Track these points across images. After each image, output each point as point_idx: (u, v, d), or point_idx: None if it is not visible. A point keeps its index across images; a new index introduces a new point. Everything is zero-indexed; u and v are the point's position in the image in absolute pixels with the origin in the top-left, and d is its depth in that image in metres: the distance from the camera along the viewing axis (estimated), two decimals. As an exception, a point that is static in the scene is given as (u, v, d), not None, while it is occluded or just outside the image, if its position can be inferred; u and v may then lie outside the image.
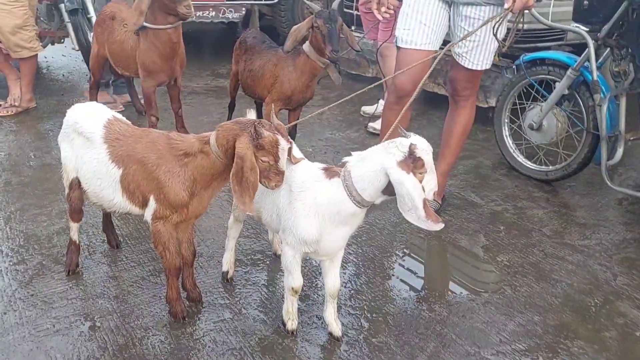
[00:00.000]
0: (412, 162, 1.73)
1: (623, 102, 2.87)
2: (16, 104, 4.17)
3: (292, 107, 3.29)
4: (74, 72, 5.40)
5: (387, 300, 2.30)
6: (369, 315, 2.20)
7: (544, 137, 3.31)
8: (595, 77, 2.85)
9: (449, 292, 2.36)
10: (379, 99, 4.35)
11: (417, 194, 1.72)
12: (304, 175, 1.90)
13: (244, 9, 5.66)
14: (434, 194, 1.81)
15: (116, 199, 2.02)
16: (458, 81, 2.81)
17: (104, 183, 2.02)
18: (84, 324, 2.08)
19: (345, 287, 2.35)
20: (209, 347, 2.00)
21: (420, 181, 1.75)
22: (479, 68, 2.71)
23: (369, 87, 2.75)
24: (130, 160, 1.96)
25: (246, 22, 3.91)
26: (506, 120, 3.54)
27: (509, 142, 3.53)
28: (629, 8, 2.72)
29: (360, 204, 1.81)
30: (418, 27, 2.65)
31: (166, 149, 1.91)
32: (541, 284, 2.42)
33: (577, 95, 3.10)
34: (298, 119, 3.45)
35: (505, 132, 3.55)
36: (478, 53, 2.67)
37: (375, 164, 1.77)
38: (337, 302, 2.24)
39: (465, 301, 2.31)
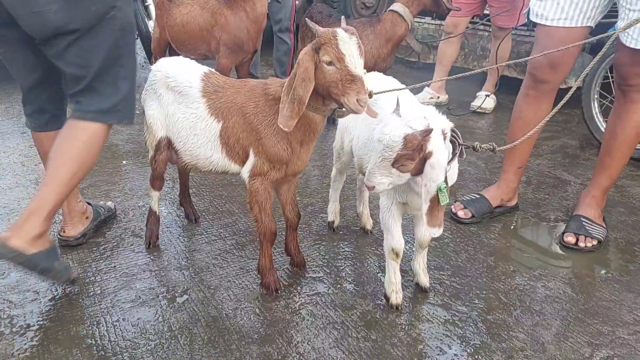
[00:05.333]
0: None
1: None
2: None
3: None
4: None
5: (494, 277, 2.08)
6: (477, 292, 1.98)
7: None
8: None
9: (561, 269, 2.13)
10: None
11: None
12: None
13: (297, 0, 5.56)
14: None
15: (214, 156, 1.87)
16: (624, 66, 2.12)
17: (201, 139, 1.87)
18: (170, 296, 1.93)
19: (446, 264, 2.15)
20: (308, 320, 1.82)
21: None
22: None
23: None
24: (230, 112, 1.80)
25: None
26: (596, 97, 3.28)
27: (599, 119, 3.27)
28: None
29: None
30: None
31: (262, 96, 1.75)
32: (666, 261, 2.16)
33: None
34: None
35: (595, 109, 3.28)
36: None
37: None
38: (440, 278, 2.05)
39: (583, 277, 2.07)
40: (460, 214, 2.45)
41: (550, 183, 2.87)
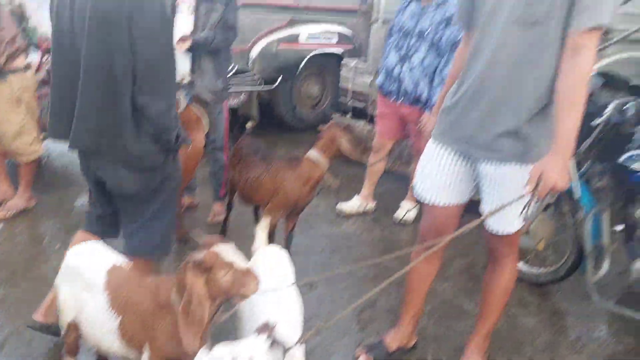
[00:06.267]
0: None
1: (606, 216, 2.94)
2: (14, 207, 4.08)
3: (296, 212, 3.40)
4: (75, 162, 5.44)
5: None
6: None
7: (531, 242, 3.32)
8: (578, 195, 2.92)
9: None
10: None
11: None
12: None
13: (242, 94, 5.86)
14: None
15: (115, 345, 2.08)
16: (489, 241, 2.42)
17: (103, 329, 2.08)
18: None
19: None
20: None
21: None
22: (505, 233, 2.28)
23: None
24: (127, 308, 2.02)
25: (242, 128, 4.08)
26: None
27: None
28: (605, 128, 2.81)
29: None
30: (429, 182, 2.38)
31: (154, 299, 1.98)
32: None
33: (562, 204, 3.17)
34: (295, 223, 3.53)
35: (496, 233, 3.61)
36: (499, 217, 2.19)
37: None
38: None
39: None
40: (362, 359, 2.68)
41: (452, 314, 3.14)
